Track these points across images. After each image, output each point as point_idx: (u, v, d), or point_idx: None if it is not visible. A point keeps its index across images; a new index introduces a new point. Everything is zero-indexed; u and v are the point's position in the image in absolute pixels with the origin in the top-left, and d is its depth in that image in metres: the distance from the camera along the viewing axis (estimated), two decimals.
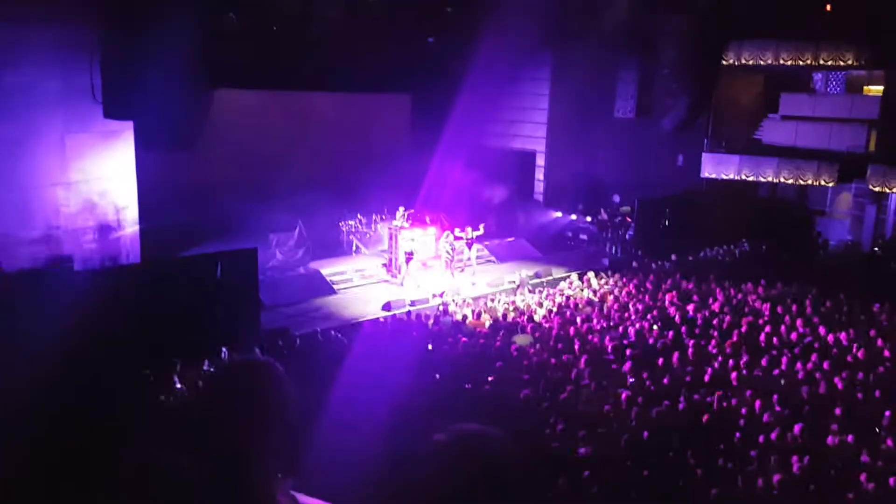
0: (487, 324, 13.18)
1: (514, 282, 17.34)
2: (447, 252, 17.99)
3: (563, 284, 16.43)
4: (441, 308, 14.68)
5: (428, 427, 1.83)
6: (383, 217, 19.55)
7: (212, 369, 10.13)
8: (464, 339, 12.11)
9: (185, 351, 10.90)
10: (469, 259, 18.07)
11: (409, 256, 17.56)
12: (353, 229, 19.47)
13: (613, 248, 21.05)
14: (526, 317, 13.67)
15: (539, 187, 23.44)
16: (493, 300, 15.35)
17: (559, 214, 22.71)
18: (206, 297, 12.56)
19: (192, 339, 11.53)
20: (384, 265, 17.94)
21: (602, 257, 20.25)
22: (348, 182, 19.06)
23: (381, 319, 14.39)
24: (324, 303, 15.96)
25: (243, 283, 13.10)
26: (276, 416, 1.94)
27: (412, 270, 17.29)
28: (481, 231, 17.50)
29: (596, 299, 14.93)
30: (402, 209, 18.57)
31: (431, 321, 13.50)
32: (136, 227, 14.55)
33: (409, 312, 14.66)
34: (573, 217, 22.60)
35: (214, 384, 2.04)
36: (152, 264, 13.51)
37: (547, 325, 13.01)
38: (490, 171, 20.44)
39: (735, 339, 12.15)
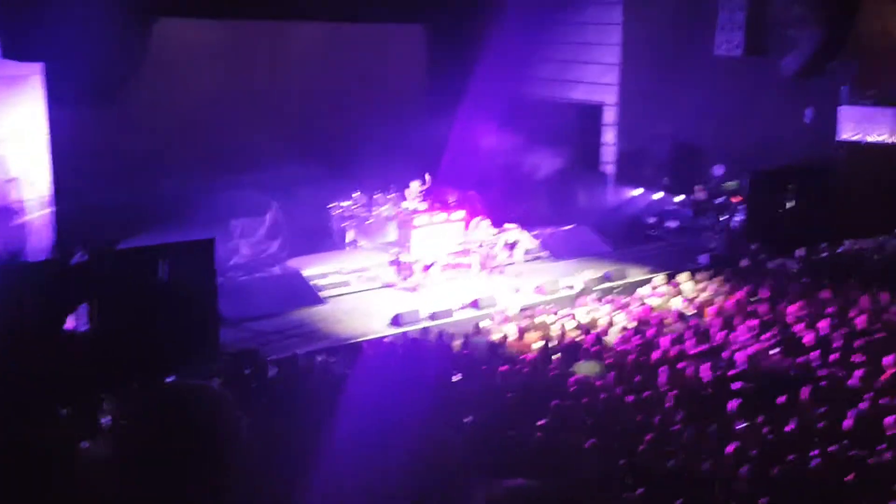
0: (536, 346, 13.29)
1: (573, 287, 17.45)
2: (480, 246, 18.24)
3: (642, 291, 16.40)
4: (473, 325, 14.80)
5: (456, 492, 1.70)
6: (389, 197, 19.69)
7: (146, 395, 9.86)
8: (504, 367, 12.28)
9: (115, 381, 10.97)
10: (511, 256, 18.39)
11: (426, 251, 17.87)
12: (348, 214, 19.61)
13: (715, 240, 20.86)
14: (591, 336, 13.74)
15: (608, 155, 23.47)
16: (544, 313, 15.40)
17: (637, 192, 22.78)
18: (143, 308, 12.74)
19: (123, 366, 11.69)
20: (391, 263, 18.02)
21: (698, 253, 20.08)
22: (341, 149, 19.43)
23: (389, 339, 14.50)
24: (307, 316, 16.01)
25: (195, 287, 13.31)
26: (218, 455, 1.85)
27: (431, 271, 17.50)
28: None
29: (690, 312, 14.89)
30: (415, 184, 18.86)
31: (459, 342, 13.61)
32: (48, 210, 14.79)
33: (427, 330, 14.82)
34: (657, 196, 22.68)
35: (147, 413, 1.94)
36: (68, 261, 13.46)
37: (621, 349, 13.11)
38: (537, 131, 20.72)
39: (891, 370, 12.00)
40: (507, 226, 18.49)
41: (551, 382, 11.48)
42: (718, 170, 22.43)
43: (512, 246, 18.51)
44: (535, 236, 19.91)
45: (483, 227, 18.51)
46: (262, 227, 18.08)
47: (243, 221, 17.81)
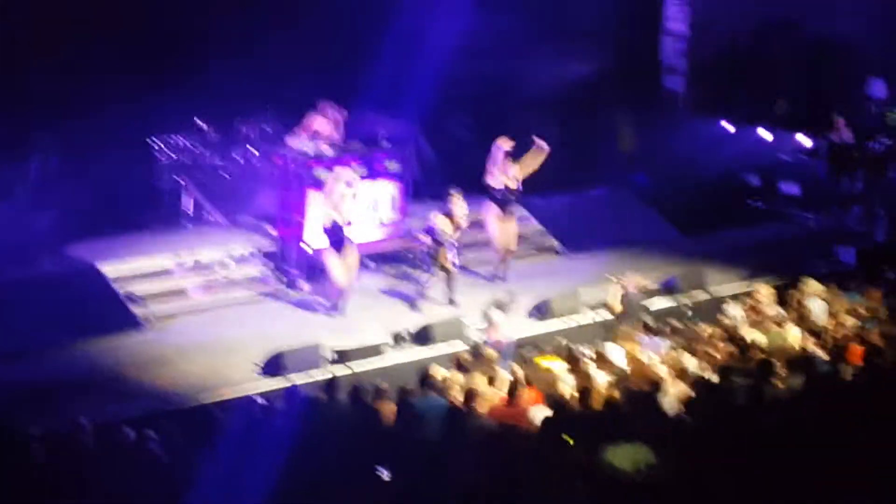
0: (536, 415, 11.17)
1: (601, 308, 14.90)
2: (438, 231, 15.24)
3: (734, 312, 13.94)
4: (418, 373, 12.23)
5: None
6: (265, 128, 17.08)
7: None
8: (477, 448, 10.59)
9: None
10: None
11: (335, 232, 14.71)
12: (186, 160, 16.77)
13: (869, 221, 18.38)
14: (637, 397, 11.82)
15: (673, 57, 20.83)
16: (550, 354, 13.34)
17: (727, 129, 20.14)
18: None
19: None
20: (275, 255, 15.64)
21: (839, 243, 17.25)
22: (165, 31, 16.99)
23: (261, 400, 12.22)
24: (110, 352, 13.70)
25: None
26: None
27: (345, 267, 14.68)
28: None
29: (820, 350, 12.89)
30: (325, 113, 16.21)
31: (390, 407, 11.32)
32: None
33: (333, 382, 12.06)
34: (764, 136, 19.91)
35: None
36: None
37: (696, 421, 11.22)
38: (541, 15, 18.83)
39: None
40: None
41: (563, 485, 9.87)
42: (878, 88, 20.01)
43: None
44: (535, 208, 17.43)
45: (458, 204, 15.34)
46: (21, 183, 15.46)
47: None
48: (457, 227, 15.33)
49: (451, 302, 14.81)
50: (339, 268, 14.59)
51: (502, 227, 16.10)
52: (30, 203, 15.50)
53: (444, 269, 15.18)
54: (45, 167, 15.77)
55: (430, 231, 15.47)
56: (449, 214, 15.31)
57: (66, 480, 9.89)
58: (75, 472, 10.07)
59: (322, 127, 16.17)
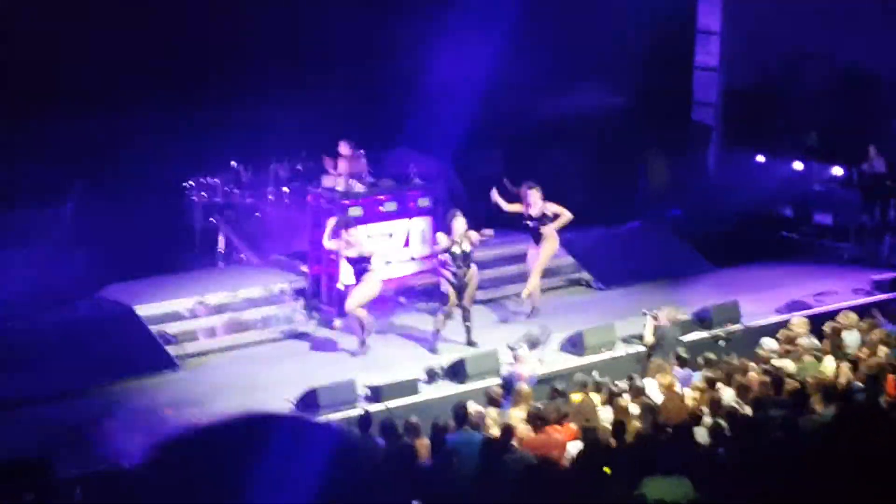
0: (572, 450, 11.54)
1: (638, 338, 14.92)
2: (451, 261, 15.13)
3: (769, 344, 14.13)
4: (455, 409, 12.28)
5: None
6: (296, 167, 17.35)
7: None
8: (514, 484, 10.89)
9: None
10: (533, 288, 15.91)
11: (363, 267, 14.92)
12: (219, 200, 17.26)
13: None
14: (674, 430, 11.93)
15: (706, 91, 20.88)
16: (585, 388, 13.40)
17: (760, 160, 20.21)
18: None
19: None
20: (306, 293, 15.81)
21: (875, 271, 17.42)
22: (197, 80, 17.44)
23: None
24: (144, 392, 13.95)
25: None
26: None
27: (360, 296, 14.92)
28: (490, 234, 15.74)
29: (854, 379, 13.16)
30: (344, 147, 16.09)
31: (427, 445, 11.44)
32: None
33: (366, 418, 12.41)
34: (796, 168, 19.89)
35: None
36: None
37: (731, 453, 11.43)
38: (571, 50, 19.11)
39: None
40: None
41: None
42: None
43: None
44: (569, 242, 17.11)
45: (461, 227, 15.20)
46: (57, 226, 15.96)
47: (27, 214, 16.03)
48: (453, 242, 15.25)
49: (471, 343, 14.87)
50: (351, 294, 14.64)
51: (531, 256, 16.10)
52: (66, 246, 15.75)
53: (454, 299, 15.04)
54: (80, 210, 16.01)
55: (434, 251, 15.67)
56: (450, 233, 15.39)
57: None
58: None
59: (346, 166, 16.27)
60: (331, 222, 15.36)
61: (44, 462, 11.33)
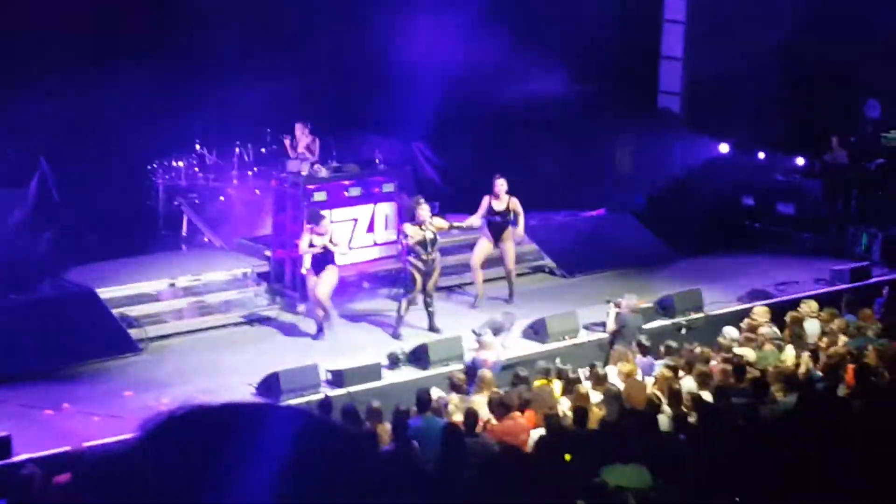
0: (533, 436, 11.59)
1: (601, 326, 14.95)
2: (413, 243, 15.14)
3: (729, 333, 14.32)
4: (418, 394, 12.39)
5: None
6: (260, 150, 17.56)
7: None
8: (475, 469, 11.00)
9: None
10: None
11: (328, 258, 14.87)
12: (183, 183, 17.24)
13: (865, 241, 18.46)
14: (636, 417, 12.18)
15: (670, 80, 21.15)
16: (547, 374, 13.45)
17: (723, 149, 20.36)
18: None
19: None
20: (270, 277, 15.77)
21: (834, 263, 17.53)
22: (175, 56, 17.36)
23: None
24: (106, 375, 13.91)
25: None
26: None
27: (322, 285, 14.86)
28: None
29: (814, 368, 13.33)
30: (299, 129, 16.52)
31: (388, 430, 11.47)
32: None
33: (326, 402, 12.52)
34: (759, 157, 20.32)
35: None
36: None
37: (691, 440, 11.63)
38: (534, 33, 19.06)
39: None
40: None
41: None
42: (873, 109, 19.99)
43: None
44: (532, 228, 17.21)
45: (425, 213, 15.16)
46: (21, 206, 15.94)
47: None
48: (422, 230, 15.29)
49: (433, 329, 14.89)
50: (317, 286, 14.61)
51: (503, 249, 16.11)
52: (28, 227, 15.81)
53: (420, 285, 15.08)
54: (42, 191, 16.03)
55: (400, 236, 15.54)
56: (414, 220, 15.44)
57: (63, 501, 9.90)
58: (74, 496, 11.43)
59: (303, 148, 16.48)
60: (305, 236, 15.33)
61: (1, 441, 11.13)
